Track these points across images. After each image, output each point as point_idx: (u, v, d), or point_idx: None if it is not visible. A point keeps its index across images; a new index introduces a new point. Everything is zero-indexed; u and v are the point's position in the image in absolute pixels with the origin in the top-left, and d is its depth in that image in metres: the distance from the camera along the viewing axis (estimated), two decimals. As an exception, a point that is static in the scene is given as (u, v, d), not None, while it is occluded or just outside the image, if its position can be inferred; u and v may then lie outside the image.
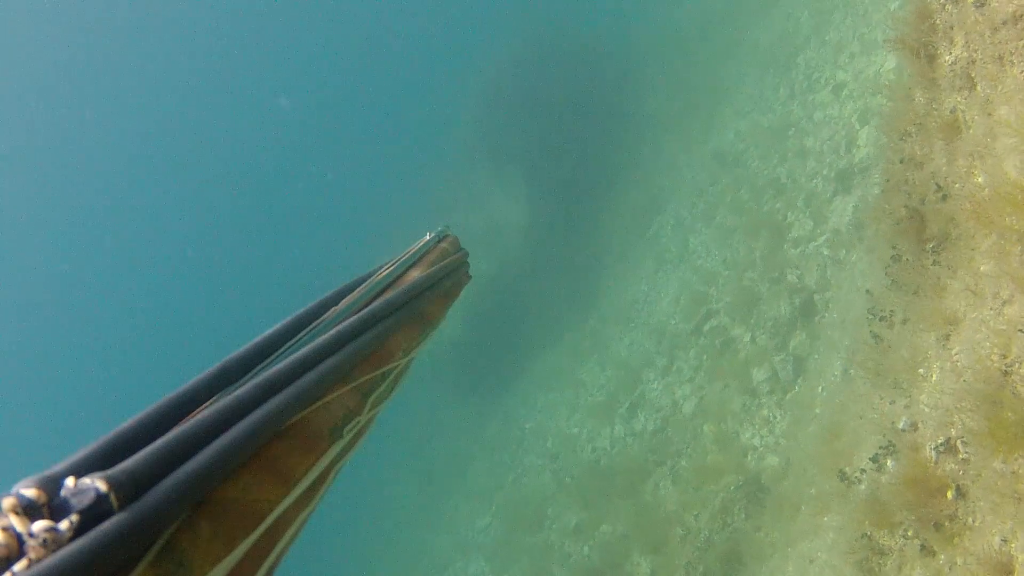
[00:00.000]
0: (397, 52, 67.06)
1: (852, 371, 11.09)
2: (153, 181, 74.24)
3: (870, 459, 8.53)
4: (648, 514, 16.43)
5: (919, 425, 7.67)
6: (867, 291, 10.40)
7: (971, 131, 7.15)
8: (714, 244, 20.84)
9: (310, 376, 1.76)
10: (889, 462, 8.19)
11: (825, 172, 17.32)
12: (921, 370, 7.87)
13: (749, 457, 14.87)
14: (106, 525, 1.14)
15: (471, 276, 3.16)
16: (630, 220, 27.16)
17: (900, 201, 8.49)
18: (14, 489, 1.15)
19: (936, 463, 6.99)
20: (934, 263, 7.95)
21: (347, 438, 1.84)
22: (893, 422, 8.17)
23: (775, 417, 14.97)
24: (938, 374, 7.47)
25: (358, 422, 1.91)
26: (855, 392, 10.11)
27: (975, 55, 6.97)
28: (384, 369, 2.14)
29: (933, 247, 7.99)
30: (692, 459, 16.50)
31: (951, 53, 7.39)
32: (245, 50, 75.00)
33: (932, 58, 7.73)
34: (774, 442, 14.59)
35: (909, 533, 7.30)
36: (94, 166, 74.41)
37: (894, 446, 8.07)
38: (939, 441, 7.00)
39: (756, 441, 15.00)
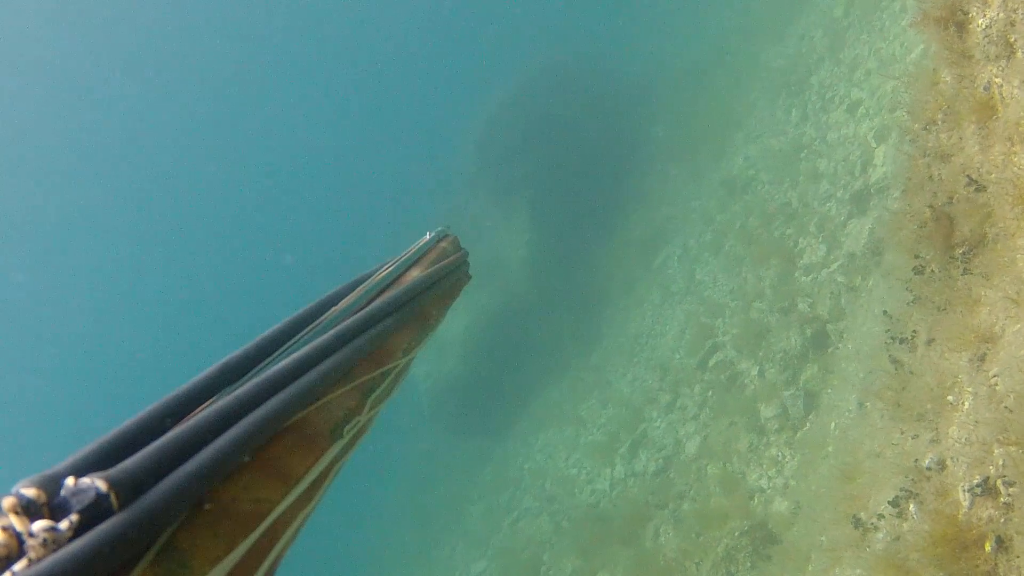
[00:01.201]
0: (404, 80, 66.84)
1: (868, 404, 9.87)
2: (154, 180, 74.91)
3: (889, 503, 7.26)
4: (647, 562, 15.27)
5: (948, 463, 6.43)
6: (884, 312, 9.17)
7: (1010, 108, 5.96)
8: (722, 274, 19.81)
9: (310, 376, 1.76)
10: (912, 507, 6.92)
11: (839, 194, 16.35)
12: (950, 398, 6.63)
13: (755, 500, 13.68)
14: (106, 525, 1.13)
15: (471, 276, 3.10)
16: (636, 251, 26.08)
17: (924, 201, 7.28)
18: (14, 489, 1.15)
19: (971, 508, 5.73)
20: (964, 272, 6.74)
21: (347, 437, 1.84)
22: (917, 460, 6.92)
23: (784, 457, 13.83)
24: (971, 401, 6.23)
25: (358, 422, 1.91)
26: (871, 427, 8.88)
27: (1014, 15, 5.79)
28: (384, 369, 2.15)
29: (963, 253, 6.78)
30: (695, 502, 15.35)
31: (985, 15, 6.20)
32: (257, 66, 75.24)
33: (962, 26, 6.55)
34: (783, 484, 13.41)
35: (937, 593, 6.04)
36: (93, 165, 74.86)
37: (918, 488, 6.81)
38: (974, 482, 5.74)
39: (763, 483, 13.82)
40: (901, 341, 8.18)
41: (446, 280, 2.79)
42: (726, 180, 22.54)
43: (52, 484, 1.17)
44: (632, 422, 19.54)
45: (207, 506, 1.38)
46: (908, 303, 8.02)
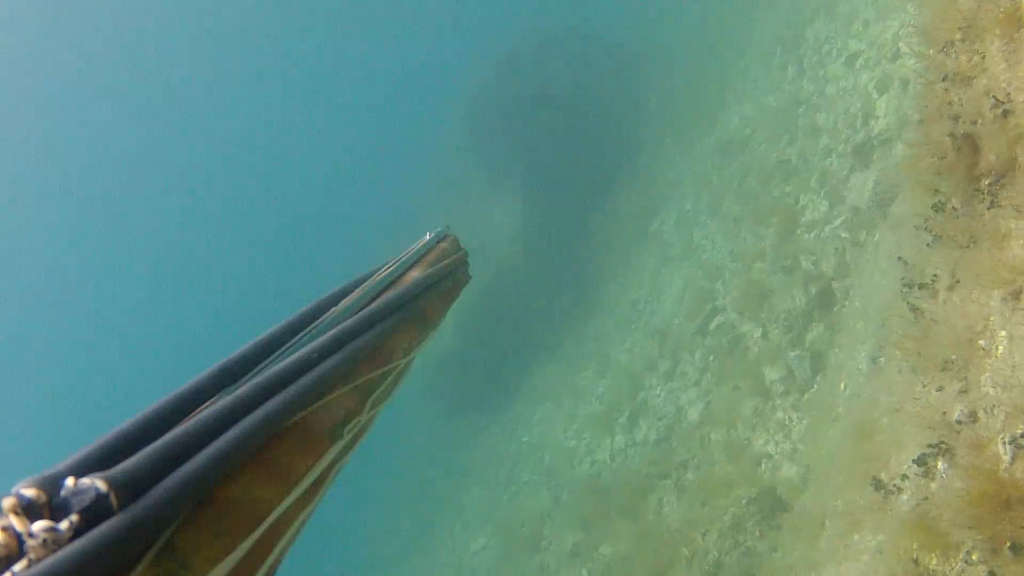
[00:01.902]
0: (388, 53, 65.93)
1: (883, 359, 9.29)
2: (153, 179, 74.45)
3: (914, 462, 6.66)
4: (651, 534, 14.78)
5: (981, 414, 5.82)
6: (900, 258, 8.54)
7: (1042, 16, 5.32)
8: (720, 236, 19.28)
9: (310, 376, 1.75)
10: (940, 464, 6.32)
11: (840, 148, 15.80)
12: (982, 342, 6.01)
13: (763, 467, 13.16)
14: (106, 525, 1.13)
15: (471, 276, 3.07)
16: (631, 220, 25.51)
17: (943, 131, 6.63)
18: (14, 489, 1.14)
19: (1013, 462, 5.13)
20: (992, 205, 6.12)
21: (347, 438, 1.83)
22: (944, 413, 6.30)
23: (791, 421, 13.30)
24: (1007, 344, 5.62)
25: (358, 422, 1.89)
26: (887, 382, 8.28)
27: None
28: (384, 369, 2.13)
29: (990, 184, 6.15)
30: (699, 471, 14.85)
31: (1013, -89, 5.55)
32: (242, 55, 74.39)
33: (985, -70, 5.91)
34: (791, 449, 12.88)
35: (974, 557, 5.48)
36: (93, 163, 74.58)
37: (947, 444, 6.20)
38: (1017, 432, 5.13)
39: (770, 448, 13.30)
40: (920, 287, 7.57)
41: (446, 280, 2.77)
42: (721, 141, 21.96)
43: (52, 484, 1.16)
44: (631, 391, 19.05)
45: (207, 506, 1.36)
46: (927, 245, 7.40)
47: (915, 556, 6.21)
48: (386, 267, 2.52)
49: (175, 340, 64.37)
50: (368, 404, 1.95)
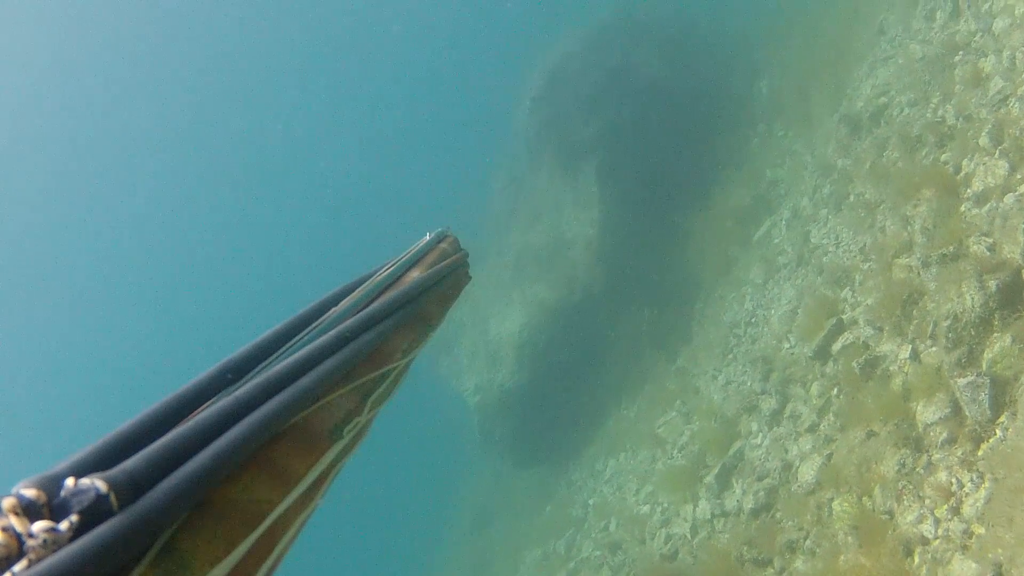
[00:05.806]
0: (444, 30, 63.68)
1: None
2: (154, 179, 75.61)
3: None
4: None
5: None
6: None
7: None
8: (846, 231, 15.13)
9: (310, 376, 1.75)
10: None
11: (1022, 91, 11.54)
12: None
13: (917, 559, 8.68)
14: (106, 526, 1.13)
15: (471, 276, 2.99)
16: (731, 225, 21.13)
17: None
18: (14, 489, 1.15)
19: None
20: None
21: (347, 439, 1.83)
22: None
23: (962, 486, 8.83)
24: None
25: (358, 423, 1.89)
26: None
27: None
28: (384, 370, 2.13)
29: None
30: (814, 559, 10.48)
31: None
32: (271, 37, 74.62)
33: None
34: (962, 532, 8.41)
35: None
36: (94, 165, 76.14)
37: None
38: None
39: (927, 529, 8.80)
40: None
41: (446, 281, 2.71)
42: (848, 117, 17.49)
43: (52, 485, 1.14)
44: (724, 439, 14.83)
45: (207, 507, 1.37)
46: None
47: None
48: (386, 267, 2.48)
49: (176, 341, 66.20)
50: (368, 404, 1.93)
